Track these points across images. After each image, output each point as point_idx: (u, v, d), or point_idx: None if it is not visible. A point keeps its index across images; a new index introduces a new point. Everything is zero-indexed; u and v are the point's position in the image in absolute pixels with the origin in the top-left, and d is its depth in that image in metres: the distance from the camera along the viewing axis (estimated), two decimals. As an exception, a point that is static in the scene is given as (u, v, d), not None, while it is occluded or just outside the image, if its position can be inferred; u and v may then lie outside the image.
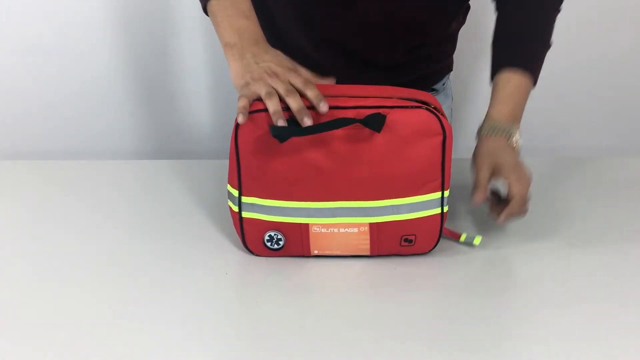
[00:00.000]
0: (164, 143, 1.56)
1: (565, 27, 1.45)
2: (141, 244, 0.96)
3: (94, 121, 1.51)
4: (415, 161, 0.84)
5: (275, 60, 0.84)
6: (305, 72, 0.85)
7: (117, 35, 1.42)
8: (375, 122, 0.81)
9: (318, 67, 0.99)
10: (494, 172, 0.89)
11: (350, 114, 0.81)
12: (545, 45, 0.97)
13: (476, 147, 0.92)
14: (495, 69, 0.95)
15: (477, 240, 0.94)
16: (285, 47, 1.00)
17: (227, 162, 0.86)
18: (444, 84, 1.12)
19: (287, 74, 0.82)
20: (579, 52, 1.49)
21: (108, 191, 1.13)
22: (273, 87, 0.80)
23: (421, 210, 0.87)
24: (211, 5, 0.89)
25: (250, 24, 0.87)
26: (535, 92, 1.53)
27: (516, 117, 0.92)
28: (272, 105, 0.79)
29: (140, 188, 1.14)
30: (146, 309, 0.82)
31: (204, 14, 0.92)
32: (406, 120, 0.81)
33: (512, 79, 0.92)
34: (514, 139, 0.91)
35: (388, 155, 0.83)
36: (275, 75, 0.81)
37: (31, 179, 1.17)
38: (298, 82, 0.81)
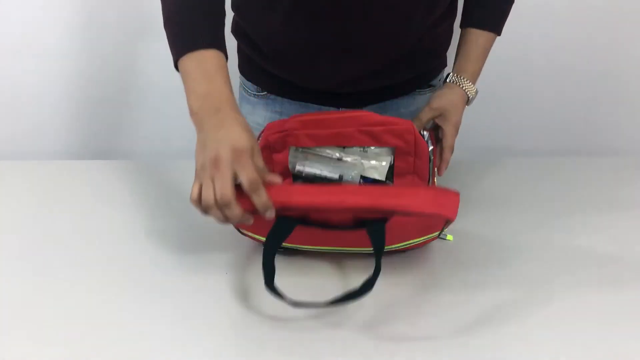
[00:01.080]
0: (163, 142, 1.56)
1: (566, 27, 1.47)
2: (141, 243, 0.97)
3: (93, 121, 1.51)
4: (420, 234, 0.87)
5: (228, 137, 0.75)
6: (257, 160, 0.77)
7: (116, 34, 1.43)
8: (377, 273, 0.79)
9: (319, 75, 0.99)
10: (439, 116, 0.99)
11: (347, 215, 0.81)
12: (510, 1, 1.05)
13: (439, 90, 1.02)
14: (466, 23, 1.04)
15: (450, 237, 0.94)
16: (284, 52, 0.99)
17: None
18: (439, 79, 1.13)
19: (233, 163, 0.74)
20: (579, 52, 1.49)
21: (107, 191, 1.13)
22: (212, 184, 0.74)
23: (423, 238, 0.89)
24: (180, 65, 0.82)
25: (213, 89, 0.78)
26: (536, 92, 1.55)
27: (477, 74, 1.04)
28: (214, 217, 0.76)
29: (139, 188, 1.14)
30: (146, 308, 0.82)
31: None
32: (408, 224, 0.83)
33: (481, 37, 1.03)
34: (473, 91, 1.02)
35: (392, 232, 0.82)
36: (217, 166, 0.73)
37: (31, 179, 1.17)
38: (244, 180, 0.74)
